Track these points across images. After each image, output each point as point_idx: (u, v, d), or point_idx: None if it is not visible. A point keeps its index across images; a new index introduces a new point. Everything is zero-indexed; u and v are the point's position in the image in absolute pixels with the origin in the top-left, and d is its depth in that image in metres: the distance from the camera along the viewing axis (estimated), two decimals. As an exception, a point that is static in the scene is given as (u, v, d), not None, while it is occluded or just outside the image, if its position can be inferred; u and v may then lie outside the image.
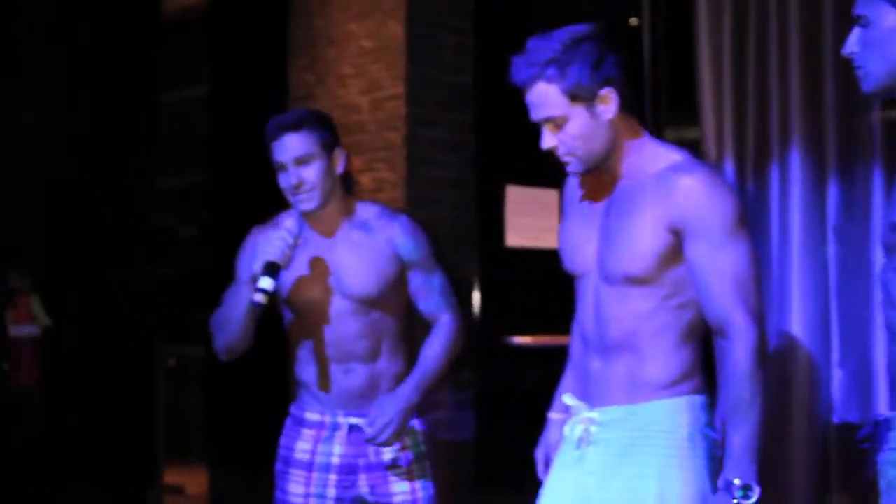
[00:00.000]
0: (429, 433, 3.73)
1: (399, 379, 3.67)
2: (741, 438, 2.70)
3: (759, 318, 2.74)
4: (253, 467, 5.07)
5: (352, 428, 3.63)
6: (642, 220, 2.81)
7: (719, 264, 2.74)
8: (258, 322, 3.55)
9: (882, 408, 3.93)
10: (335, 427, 3.64)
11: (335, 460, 3.64)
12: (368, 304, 3.60)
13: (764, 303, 2.94)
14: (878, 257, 3.93)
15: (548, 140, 2.88)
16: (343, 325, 3.60)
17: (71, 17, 7.91)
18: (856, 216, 4.10)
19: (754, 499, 2.68)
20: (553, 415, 3.22)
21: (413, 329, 3.79)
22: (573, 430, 2.98)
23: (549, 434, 3.22)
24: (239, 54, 7.91)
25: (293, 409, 3.74)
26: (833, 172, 4.13)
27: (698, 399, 2.86)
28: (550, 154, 2.91)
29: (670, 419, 2.84)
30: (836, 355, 4.12)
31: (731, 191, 2.82)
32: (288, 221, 3.47)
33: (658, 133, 2.91)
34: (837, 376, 4.11)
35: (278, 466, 3.72)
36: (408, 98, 6.34)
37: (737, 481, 2.68)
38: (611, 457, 2.89)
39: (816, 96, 4.17)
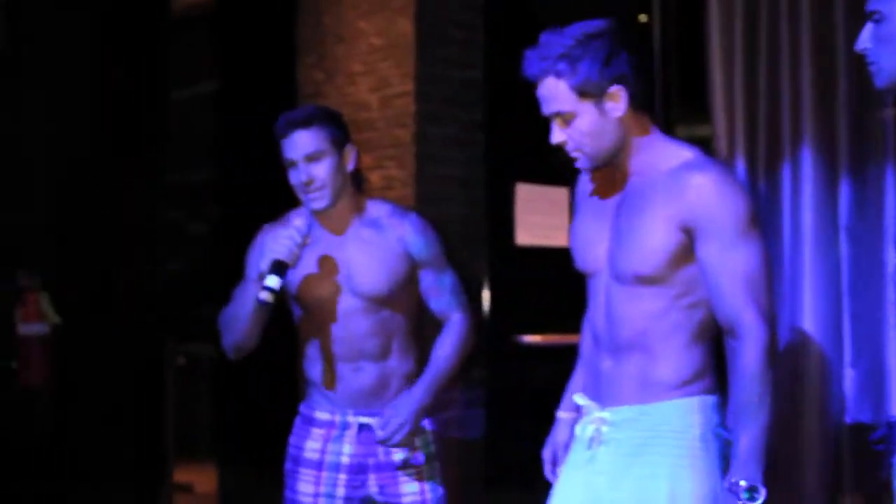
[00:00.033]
0: (439, 433, 3.72)
1: (409, 378, 3.66)
2: (748, 439, 2.68)
3: (770, 319, 2.72)
4: (262, 465, 5.06)
5: (362, 427, 3.62)
6: (653, 219, 2.79)
7: (730, 264, 2.72)
8: (267, 320, 3.54)
9: (895, 408, 3.92)
10: (345, 426, 3.63)
11: (345, 460, 3.63)
12: (379, 302, 3.59)
13: (775, 303, 2.93)
14: (891, 257, 3.92)
15: (557, 135, 2.88)
16: (353, 323, 3.59)
17: (78, 14, 7.90)
18: (868, 215, 4.08)
19: (760, 500, 2.66)
20: (561, 414, 3.22)
21: (423, 328, 3.77)
22: (584, 429, 2.97)
23: (557, 433, 3.22)
24: (247, 51, 7.92)
25: (303, 408, 3.74)
26: (845, 171, 4.10)
27: (710, 399, 2.85)
28: (560, 149, 2.90)
29: (682, 419, 2.82)
30: (848, 355, 4.10)
31: (743, 189, 2.81)
32: (297, 220, 3.46)
33: (668, 130, 2.90)
34: (850, 376, 4.09)
35: (288, 465, 3.71)
36: (417, 95, 6.33)
37: (742, 483, 2.67)
38: (622, 457, 2.88)
39: (828, 94, 4.14)
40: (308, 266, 3.58)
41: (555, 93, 2.83)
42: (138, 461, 7.98)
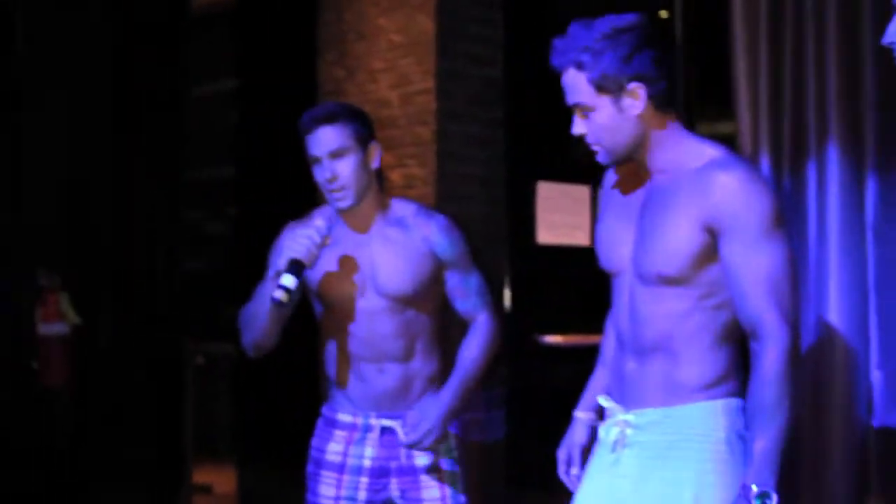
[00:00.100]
0: (461, 436, 3.69)
1: (433, 380, 3.64)
2: (764, 444, 2.65)
3: (793, 322, 2.69)
4: (281, 466, 5.06)
5: (384, 430, 3.60)
6: (678, 219, 2.77)
7: (754, 264, 2.69)
8: (287, 320, 3.53)
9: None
10: (367, 429, 3.61)
11: (367, 463, 3.61)
12: (403, 302, 3.56)
13: (799, 305, 2.89)
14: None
15: (577, 126, 2.87)
16: (377, 323, 3.56)
17: (99, 11, 7.90)
18: (896, 215, 4.04)
19: None
20: (579, 413, 3.21)
21: (447, 329, 3.74)
22: (608, 432, 2.95)
23: (573, 433, 3.21)
24: (268, 49, 7.93)
25: (325, 410, 3.71)
26: (872, 169, 4.06)
27: (735, 402, 2.82)
28: (581, 141, 2.89)
29: (706, 422, 2.80)
30: (875, 357, 4.06)
31: (768, 189, 2.78)
32: (318, 220, 3.44)
33: (689, 128, 2.89)
34: (877, 378, 4.05)
35: (309, 468, 3.69)
36: (438, 92, 6.32)
37: (755, 487, 2.63)
38: (646, 460, 2.86)
39: (855, 91, 4.10)
40: (331, 264, 3.56)
41: (575, 85, 2.82)
42: (157, 461, 7.99)
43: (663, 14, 6.01)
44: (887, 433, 4.03)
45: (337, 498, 3.60)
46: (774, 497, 2.62)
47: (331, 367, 3.66)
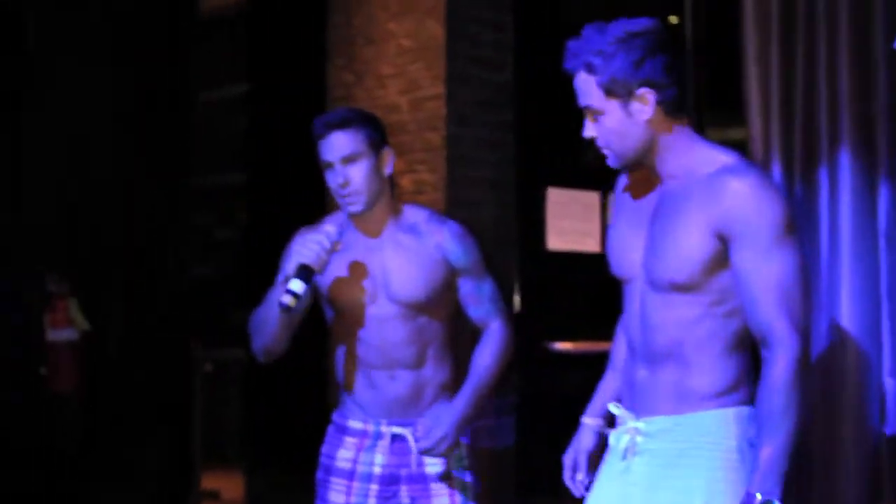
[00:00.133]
0: (471, 444, 3.67)
1: (444, 387, 3.63)
2: (770, 452, 2.64)
3: (804, 330, 2.68)
4: (290, 472, 5.05)
5: (395, 437, 3.59)
6: (689, 225, 2.75)
7: (764, 271, 2.67)
8: (297, 325, 3.53)
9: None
10: (378, 436, 3.59)
11: (377, 470, 3.59)
12: (415, 308, 3.55)
13: (810, 313, 2.87)
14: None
15: (588, 129, 2.88)
16: (388, 330, 3.55)
17: (107, 15, 7.91)
18: (908, 221, 4.02)
19: None
20: (586, 419, 3.20)
21: (459, 336, 3.73)
22: (619, 440, 2.94)
23: (580, 439, 3.20)
24: (277, 53, 7.94)
25: (336, 417, 3.70)
26: (884, 175, 4.04)
27: (746, 410, 2.80)
28: (591, 147, 2.90)
29: (718, 430, 2.78)
30: (887, 364, 4.04)
31: (780, 195, 2.77)
32: (328, 226, 3.44)
33: (700, 134, 2.89)
34: (889, 385, 4.03)
35: (319, 475, 3.68)
36: (447, 98, 6.31)
37: (759, 496, 2.62)
38: (657, 468, 2.84)
39: (867, 96, 4.08)
40: (343, 270, 3.55)
41: (586, 88, 2.82)
42: (166, 467, 7.99)
43: (673, 19, 6.01)
44: (900, 442, 4.03)
45: (346, 504, 3.60)
46: None
47: (341, 374, 3.65)
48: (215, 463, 9.03)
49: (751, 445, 2.76)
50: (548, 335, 6.48)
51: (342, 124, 3.48)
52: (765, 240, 2.67)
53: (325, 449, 3.68)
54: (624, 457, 2.90)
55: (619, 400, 3.02)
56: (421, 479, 3.58)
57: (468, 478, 3.62)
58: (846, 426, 4.08)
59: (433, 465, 3.57)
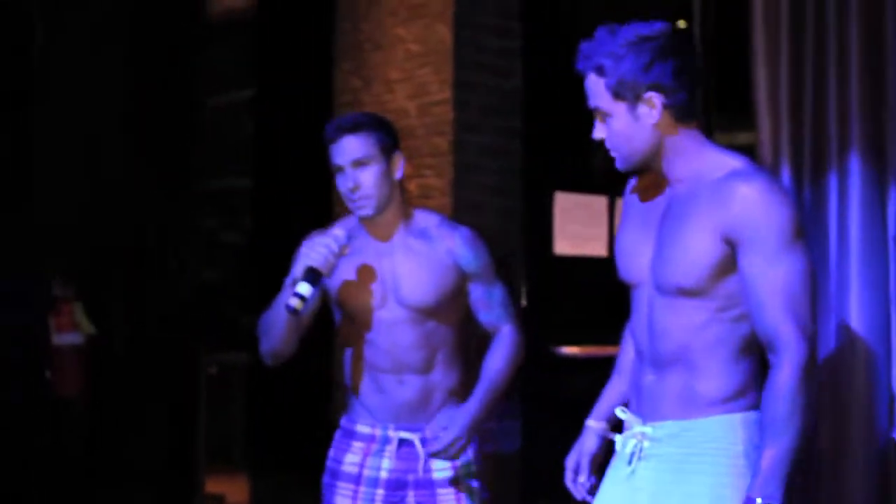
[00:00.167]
0: (479, 450, 3.66)
1: (453, 392, 3.63)
2: (772, 456, 2.63)
3: (810, 336, 2.67)
4: (294, 475, 5.03)
5: (402, 442, 3.58)
6: (696, 230, 2.75)
7: (772, 276, 2.66)
8: (306, 328, 3.54)
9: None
10: (385, 441, 3.59)
11: (383, 475, 3.59)
12: (425, 313, 3.55)
13: (817, 318, 2.86)
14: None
15: (597, 130, 2.88)
16: (398, 334, 3.55)
17: (115, 19, 7.92)
18: (918, 225, 4.01)
19: None
20: (590, 422, 3.19)
21: (468, 341, 3.72)
22: (625, 444, 2.93)
23: (584, 441, 3.19)
24: (285, 58, 7.94)
25: (343, 422, 3.70)
26: (894, 179, 4.03)
27: (754, 415, 2.78)
28: (599, 151, 2.90)
29: (725, 436, 2.77)
30: (896, 366, 4.03)
31: (789, 200, 2.75)
32: (337, 229, 3.44)
33: (708, 138, 2.90)
34: (900, 390, 4.03)
35: (326, 479, 3.68)
36: (455, 103, 6.31)
37: (759, 500, 2.61)
38: (663, 473, 2.83)
39: (877, 100, 4.07)
40: (353, 273, 3.55)
41: (595, 89, 2.82)
42: (170, 470, 8.00)
43: (682, 23, 6.00)
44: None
45: (352, 509, 3.59)
46: None
47: (349, 378, 3.65)
48: (220, 466, 9.03)
49: (758, 451, 2.76)
50: (554, 339, 6.48)
51: (354, 128, 3.49)
52: (773, 245, 2.66)
53: (331, 453, 3.68)
54: (630, 461, 2.89)
55: (625, 404, 3.01)
56: (428, 485, 3.57)
57: (475, 484, 3.62)
58: (855, 427, 4.07)
59: (442, 470, 3.57)
